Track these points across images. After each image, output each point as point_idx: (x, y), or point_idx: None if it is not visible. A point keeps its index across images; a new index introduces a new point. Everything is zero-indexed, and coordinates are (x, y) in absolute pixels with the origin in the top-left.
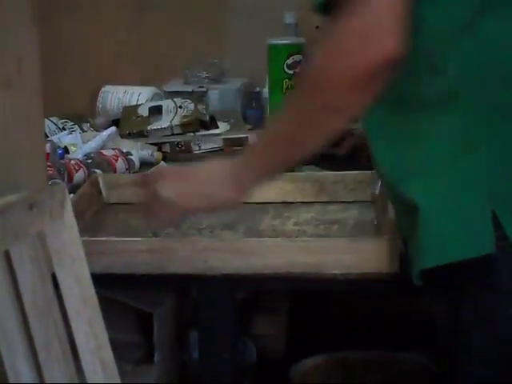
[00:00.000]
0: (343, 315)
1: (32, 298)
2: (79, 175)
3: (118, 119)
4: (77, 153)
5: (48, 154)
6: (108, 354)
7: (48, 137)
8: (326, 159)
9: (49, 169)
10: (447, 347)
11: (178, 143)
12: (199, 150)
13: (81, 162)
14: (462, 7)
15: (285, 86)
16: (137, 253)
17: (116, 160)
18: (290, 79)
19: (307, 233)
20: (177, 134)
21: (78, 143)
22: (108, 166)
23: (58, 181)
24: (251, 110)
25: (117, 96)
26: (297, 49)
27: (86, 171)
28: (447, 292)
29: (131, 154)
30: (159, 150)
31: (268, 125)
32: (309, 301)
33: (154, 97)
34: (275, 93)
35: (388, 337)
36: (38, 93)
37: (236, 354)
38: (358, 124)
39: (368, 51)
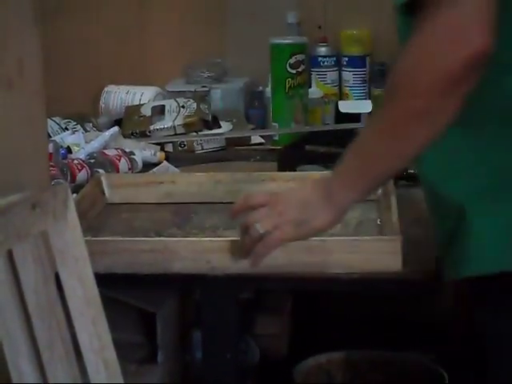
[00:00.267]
0: (345, 315)
1: (35, 298)
2: (82, 175)
3: (121, 119)
4: (79, 153)
5: (51, 153)
6: (111, 354)
7: (51, 137)
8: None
9: (52, 169)
10: (484, 356)
11: (180, 143)
12: (202, 149)
13: (83, 161)
14: None
15: (287, 86)
16: (139, 253)
17: (119, 160)
18: (292, 78)
19: None
20: (179, 134)
21: (81, 143)
22: (111, 166)
23: (61, 181)
24: (254, 109)
25: (119, 96)
26: (299, 48)
27: (89, 171)
28: (487, 301)
29: (134, 154)
30: (162, 149)
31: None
32: (311, 300)
33: (157, 97)
34: (278, 92)
35: (390, 336)
36: (40, 93)
37: (239, 353)
38: None
39: (461, 48)
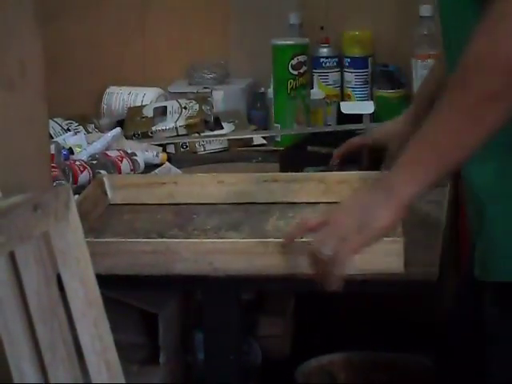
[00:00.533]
0: (347, 316)
1: (37, 299)
2: (84, 176)
3: (123, 120)
4: (81, 154)
5: (53, 155)
6: (113, 355)
7: (53, 138)
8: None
9: (53, 170)
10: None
11: (182, 144)
12: (204, 150)
13: (86, 162)
14: None
15: (289, 87)
16: (141, 254)
17: (121, 161)
18: (294, 79)
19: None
20: (181, 135)
21: (83, 144)
22: (113, 167)
23: (63, 182)
24: (256, 110)
25: (121, 97)
26: (301, 49)
27: (91, 172)
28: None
29: (136, 155)
30: (164, 150)
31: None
32: (313, 302)
33: (159, 98)
34: (280, 93)
35: (392, 337)
36: (41, 94)
37: (241, 355)
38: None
39: None
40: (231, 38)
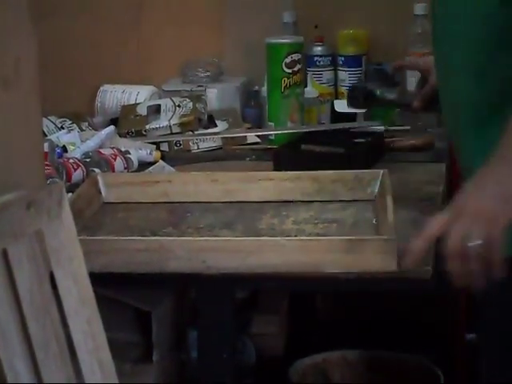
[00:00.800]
0: (342, 314)
1: (30, 297)
2: (78, 174)
3: (117, 118)
4: (75, 152)
5: (46, 152)
6: (106, 353)
7: (46, 136)
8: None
9: (47, 168)
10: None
11: (176, 142)
12: (198, 148)
13: (79, 160)
14: None
15: (283, 85)
16: (135, 252)
17: (114, 159)
18: (288, 78)
19: (306, 232)
20: (175, 133)
21: (77, 142)
22: (106, 165)
23: (57, 180)
24: (250, 108)
25: (115, 95)
26: (295, 48)
27: (85, 170)
28: None
29: (130, 153)
30: (158, 148)
31: None
32: (307, 300)
33: (153, 96)
34: (274, 91)
35: (387, 336)
36: (36, 92)
37: (235, 353)
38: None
39: None
40: (225, 36)
